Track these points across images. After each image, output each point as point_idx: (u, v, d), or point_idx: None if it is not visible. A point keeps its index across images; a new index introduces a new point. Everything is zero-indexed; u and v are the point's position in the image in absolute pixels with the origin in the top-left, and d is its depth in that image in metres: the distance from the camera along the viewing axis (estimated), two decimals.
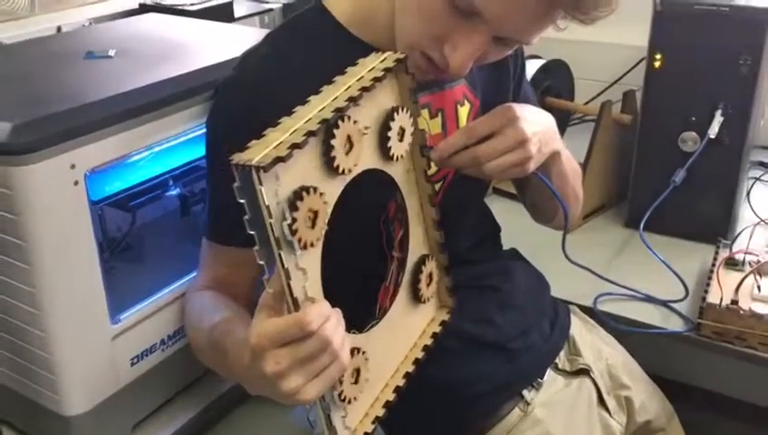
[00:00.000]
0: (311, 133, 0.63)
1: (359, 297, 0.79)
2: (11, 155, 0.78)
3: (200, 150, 0.95)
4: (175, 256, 1.07)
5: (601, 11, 0.74)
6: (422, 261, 0.86)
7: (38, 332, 0.86)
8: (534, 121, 0.87)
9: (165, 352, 0.99)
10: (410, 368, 0.86)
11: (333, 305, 0.70)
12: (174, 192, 1.09)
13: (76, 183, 0.83)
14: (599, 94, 1.74)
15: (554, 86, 1.62)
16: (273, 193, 0.62)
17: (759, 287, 1.15)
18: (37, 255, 0.82)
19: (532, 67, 1.55)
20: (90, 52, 1.04)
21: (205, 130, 0.92)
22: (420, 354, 0.88)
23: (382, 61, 0.76)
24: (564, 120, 1.70)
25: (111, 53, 1.03)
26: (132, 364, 0.95)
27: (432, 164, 0.85)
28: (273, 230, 0.63)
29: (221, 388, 1.06)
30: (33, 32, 1.45)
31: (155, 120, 0.91)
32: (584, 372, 1.06)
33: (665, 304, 1.21)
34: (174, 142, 0.96)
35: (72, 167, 0.82)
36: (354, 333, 0.77)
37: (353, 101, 0.68)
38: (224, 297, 0.91)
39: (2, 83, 0.97)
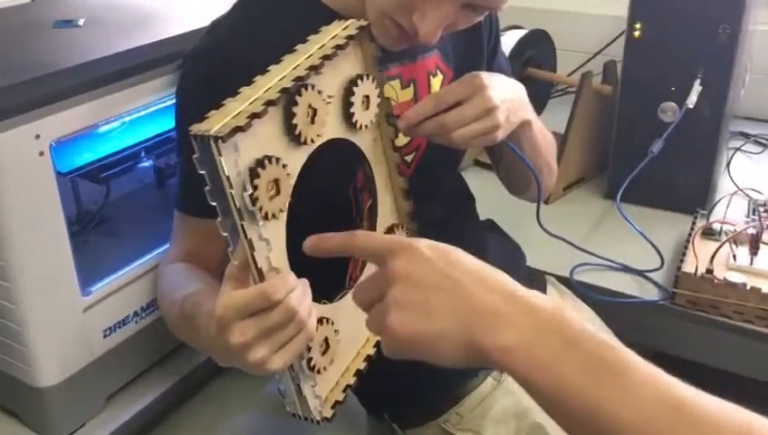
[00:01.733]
0: (270, 103, 0.63)
1: (329, 267, 0.79)
2: None
3: (173, 121, 0.94)
4: (150, 228, 1.07)
5: None
6: (391, 230, 0.86)
7: (7, 303, 0.86)
8: (503, 89, 0.86)
9: (138, 323, 0.99)
10: None
11: (303, 275, 0.70)
12: (148, 164, 1.08)
13: (41, 154, 0.81)
14: (581, 66, 1.73)
15: (536, 57, 1.60)
16: (232, 163, 0.61)
17: (734, 257, 1.15)
18: (3, 226, 0.81)
19: (513, 37, 1.54)
20: (58, 20, 1.02)
21: (174, 101, 0.92)
22: None
23: (345, 28, 0.75)
24: (546, 92, 1.69)
25: (80, 21, 1.01)
26: (105, 336, 0.95)
27: (400, 133, 0.85)
28: (234, 201, 0.62)
29: (196, 360, 1.06)
30: (5, 2, 1.43)
31: (123, 89, 0.90)
32: None
33: (641, 273, 1.21)
34: (144, 112, 0.95)
35: (37, 137, 0.81)
36: (324, 302, 0.77)
37: (315, 69, 0.67)
38: (196, 269, 0.91)
39: None
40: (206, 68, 0.87)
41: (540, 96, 1.60)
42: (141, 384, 1.02)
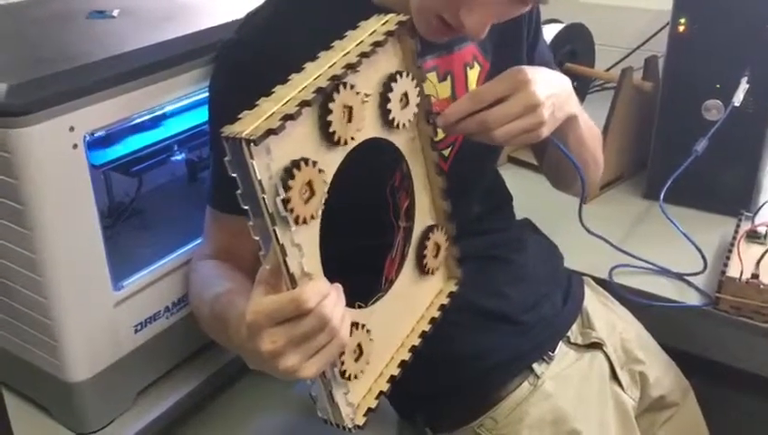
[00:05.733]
0: (305, 103, 0.60)
1: (364, 269, 0.77)
2: (7, 117, 0.76)
3: (206, 114, 0.93)
4: (181, 222, 1.06)
5: None
6: (428, 231, 0.84)
7: (39, 297, 0.85)
8: (548, 84, 0.83)
9: (169, 319, 0.98)
10: (416, 341, 0.84)
11: (337, 279, 0.68)
12: (180, 157, 1.07)
13: (75, 146, 0.80)
14: (620, 60, 1.68)
15: (574, 51, 1.57)
16: (265, 167, 0.59)
17: None
18: (36, 219, 0.81)
19: (551, 31, 1.51)
20: (93, 11, 1.01)
21: (207, 94, 0.90)
22: (427, 327, 0.86)
23: (384, 23, 0.72)
24: (584, 87, 1.65)
25: (115, 12, 1.00)
26: (136, 331, 0.94)
27: (439, 130, 0.82)
28: (266, 205, 0.61)
29: (226, 357, 1.05)
30: None
31: (157, 81, 0.88)
32: (597, 345, 1.04)
33: (681, 277, 1.17)
34: (178, 105, 0.94)
35: (71, 129, 0.80)
36: (360, 306, 0.75)
37: (352, 67, 0.65)
38: (227, 267, 0.89)
39: (2, 44, 0.95)
40: (239, 62, 0.86)
41: (578, 92, 1.55)
42: (171, 380, 1.01)
